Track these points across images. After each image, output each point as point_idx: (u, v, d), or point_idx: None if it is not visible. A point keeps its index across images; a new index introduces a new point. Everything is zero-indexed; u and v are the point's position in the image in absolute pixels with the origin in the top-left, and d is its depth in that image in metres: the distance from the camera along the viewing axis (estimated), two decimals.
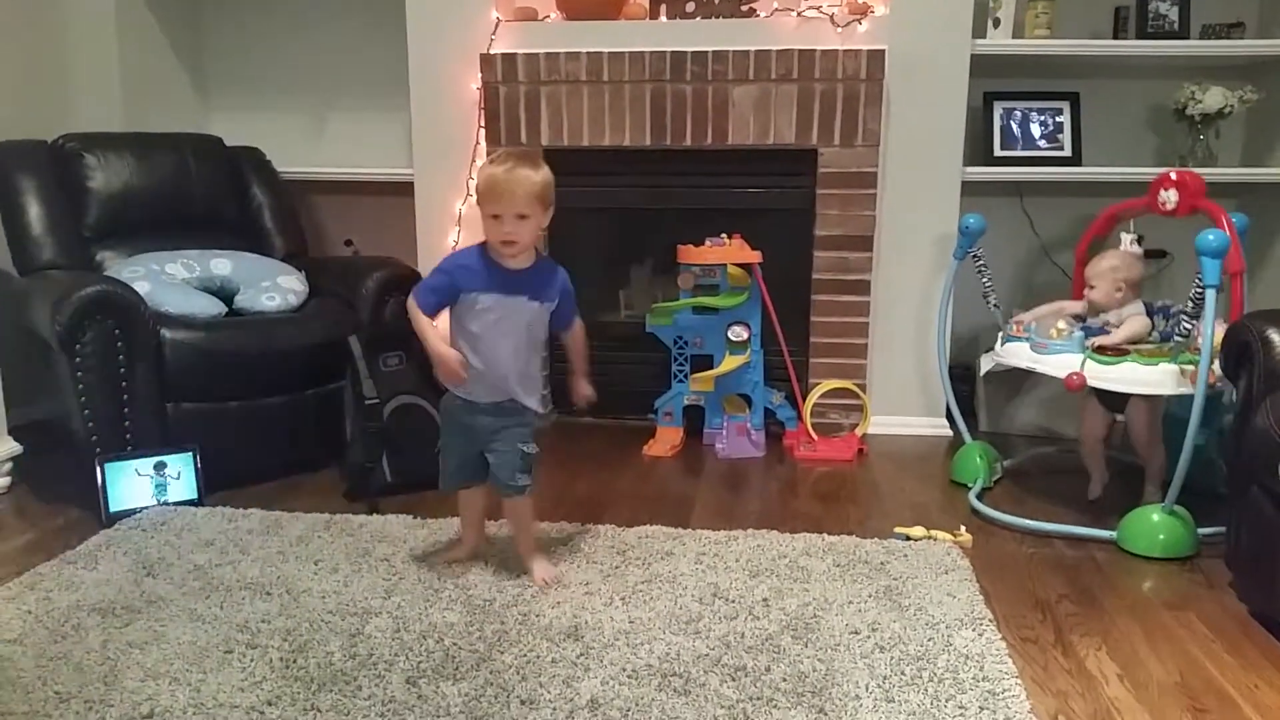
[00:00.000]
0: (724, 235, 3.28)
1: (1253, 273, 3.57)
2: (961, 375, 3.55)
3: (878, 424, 3.53)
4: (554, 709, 1.74)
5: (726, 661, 1.90)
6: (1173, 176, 2.75)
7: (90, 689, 1.80)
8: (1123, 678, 1.90)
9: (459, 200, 3.63)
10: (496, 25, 3.51)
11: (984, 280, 3.09)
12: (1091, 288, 2.77)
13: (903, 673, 1.86)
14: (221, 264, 3.24)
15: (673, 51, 3.38)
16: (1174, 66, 3.55)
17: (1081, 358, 2.59)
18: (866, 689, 1.81)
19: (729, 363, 3.31)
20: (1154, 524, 2.47)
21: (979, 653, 1.93)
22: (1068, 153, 3.63)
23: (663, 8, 3.51)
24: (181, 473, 2.76)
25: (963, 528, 2.58)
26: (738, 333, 3.31)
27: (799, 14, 3.40)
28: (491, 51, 3.50)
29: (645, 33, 3.46)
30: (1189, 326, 2.52)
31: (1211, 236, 2.38)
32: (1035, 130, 3.65)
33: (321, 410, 3.05)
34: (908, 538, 2.54)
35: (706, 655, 1.93)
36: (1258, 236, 3.35)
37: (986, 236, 3.09)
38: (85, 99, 3.68)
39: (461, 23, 3.52)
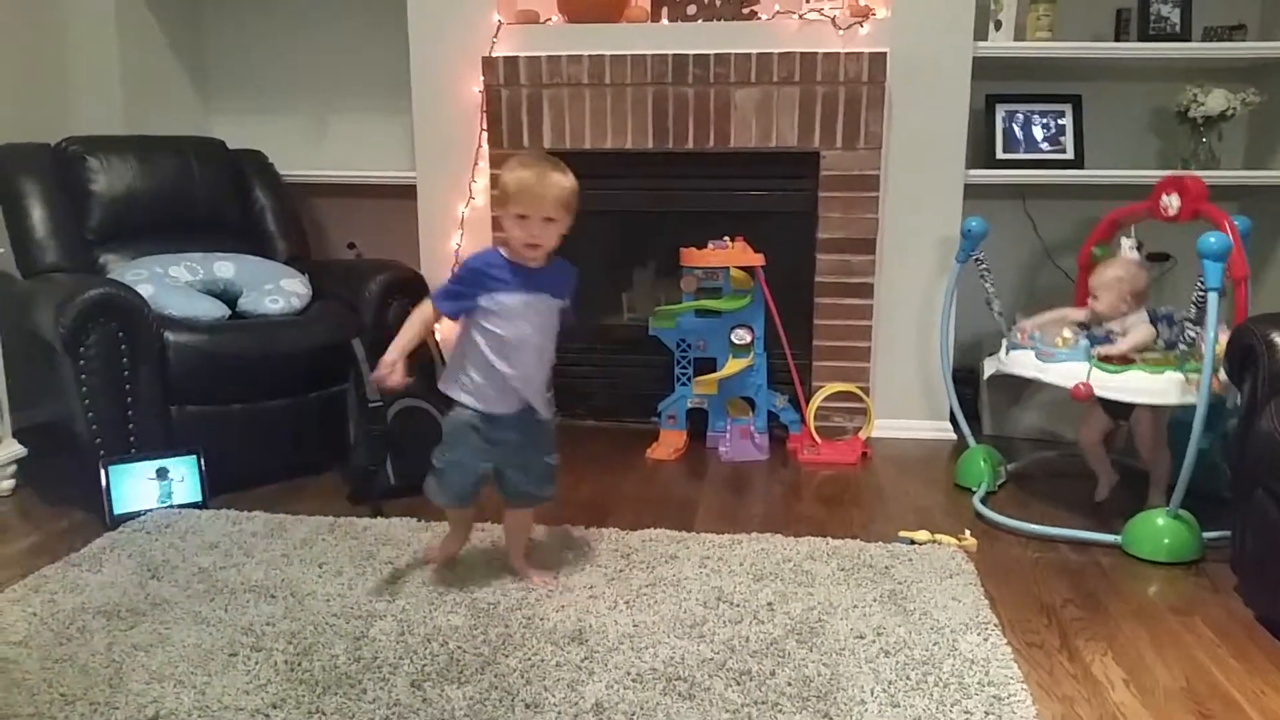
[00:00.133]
0: (726, 238, 3.28)
1: (1256, 276, 3.55)
2: (965, 378, 3.55)
3: (881, 427, 3.53)
4: (558, 712, 1.74)
5: (731, 665, 1.90)
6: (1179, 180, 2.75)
7: (95, 691, 1.80)
8: (1128, 683, 1.89)
9: (461, 203, 3.64)
10: (498, 28, 3.51)
11: (987, 286, 3.09)
12: (1096, 298, 2.75)
13: (908, 677, 1.86)
14: (225, 267, 3.24)
15: (674, 54, 3.39)
16: (1176, 69, 3.55)
17: (1087, 367, 2.58)
18: (871, 693, 1.80)
19: (732, 366, 3.32)
20: (1159, 528, 2.47)
21: (984, 657, 1.93)
22: (1070, 155, 3.63)
23: (664, 10, 3.52)
24: (185, 475, 2.76)
25: (967, 532, 2.57)
26: (741, 336, 3.31)
27: (800, 17, 3.40)
28: (493, 54, 3.50)
29: (647, 35, 3.46)
30: (1193, 334, 2.52)
31: (1213, 239, 2.38)
32: (1037, 133, 3.66)
33: (325, 413, 3.05)
34: (912, 542, 2.53)
35: (711, 659, 1.93)
36: (1261, 239, 3.35)
37: (989, 239, 3.09)
38: (86, 101, 3.69)
39: (463, 25, 3.53)
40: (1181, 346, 2.56)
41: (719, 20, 3.47)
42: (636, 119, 3.46)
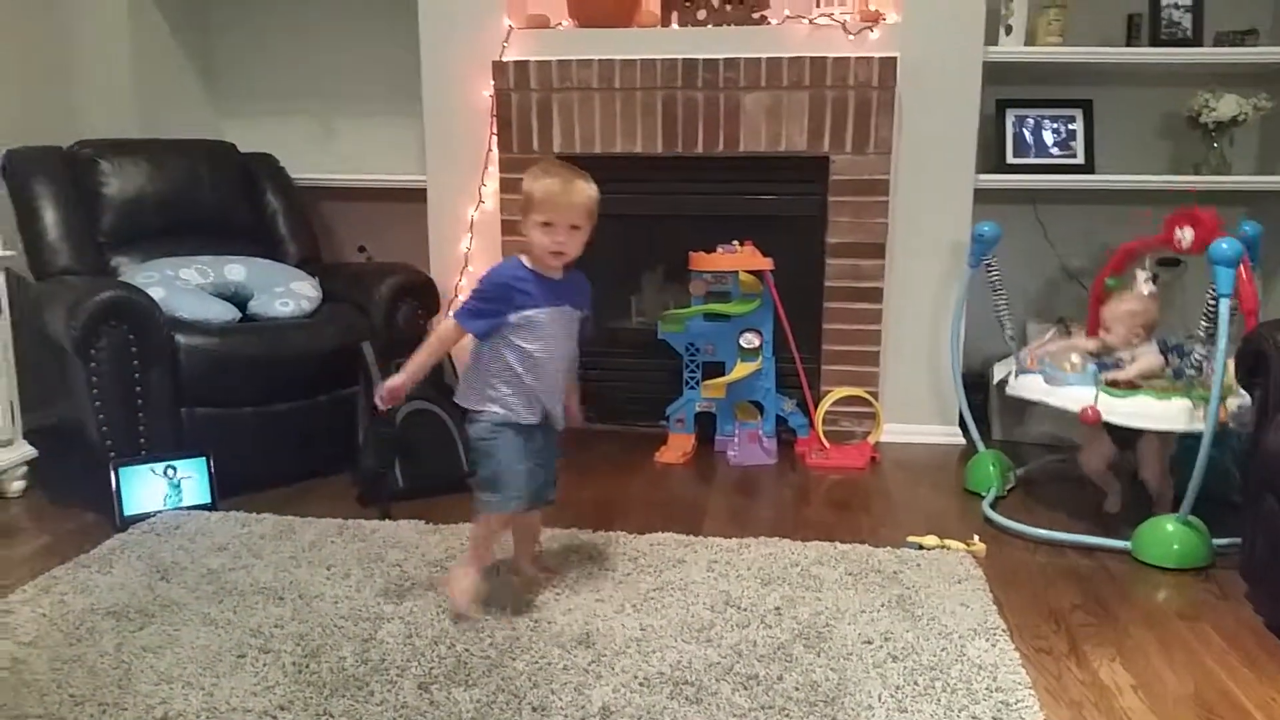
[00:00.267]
0: (736, 242, 3.29)
1: (1266, 280, 3.55)
2: (975, 383, 3.54)
3: (890, 432, 3.52)
4: (565, 716, 1.74)
5: (738, 670, 1.90)
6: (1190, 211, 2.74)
7: (104, 692, 1.81)
8: (1137, 689, 1.89)
9: (471, 207, 3.65)
10: (509, 33, 3.52)
11: (998, 300, 3.08)
12: (1109, 330, 2.75)
13: (916, 683, 1.86)
14: (235, 270, 3.25)
15: (684, 59, 3.39)
16: (1187, 74, 3.54)
17: (1095, 391, 2.58)
18: (879, 699, 1.80)
19: (741, 370, 3.31)
20: (1168, 534, 2.46)
21: (992, 663, 1.92)
22: (1081, 160, 3.62)
23: (674, 15, 3.52)
24: (195, 477, 2.78)
25: (976, 537, 2.57)
26: (749, 340, 3.31)
27: (810, 21, 3.40)
28: (504, 59, 3.51)
29: (657, 40, 3.46)
30: (1202, 356, 2.52)
31: (1225, 245, 2.37)
32: (1048, 138, 3.65)
33: (334, 416, 3.06)
34: (921, 546, 2.53)
35: (718, 664, 1.92)
36: (1272, 245, 3.33)
37: (1000, 245, 3.08)
38: (98, 105, 3.71)
39: (474, 30, 3.54)
40: (1189, 371, 2.56)
41: (729, 25, 3.47)
42: (646, 123, 3.46)
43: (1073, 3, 3.48)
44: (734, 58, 3.37)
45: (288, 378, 3.00)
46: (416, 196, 3.74)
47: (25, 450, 2.93)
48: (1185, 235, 2.76)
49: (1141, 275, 2.87)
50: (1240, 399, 2.44)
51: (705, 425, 3.47)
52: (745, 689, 1.83)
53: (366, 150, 4.09)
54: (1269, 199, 3.56)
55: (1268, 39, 3.52)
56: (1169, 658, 2.01)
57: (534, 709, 1.76)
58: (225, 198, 3.54)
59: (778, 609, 2.16)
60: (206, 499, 2.78)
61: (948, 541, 2.54)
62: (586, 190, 2.06)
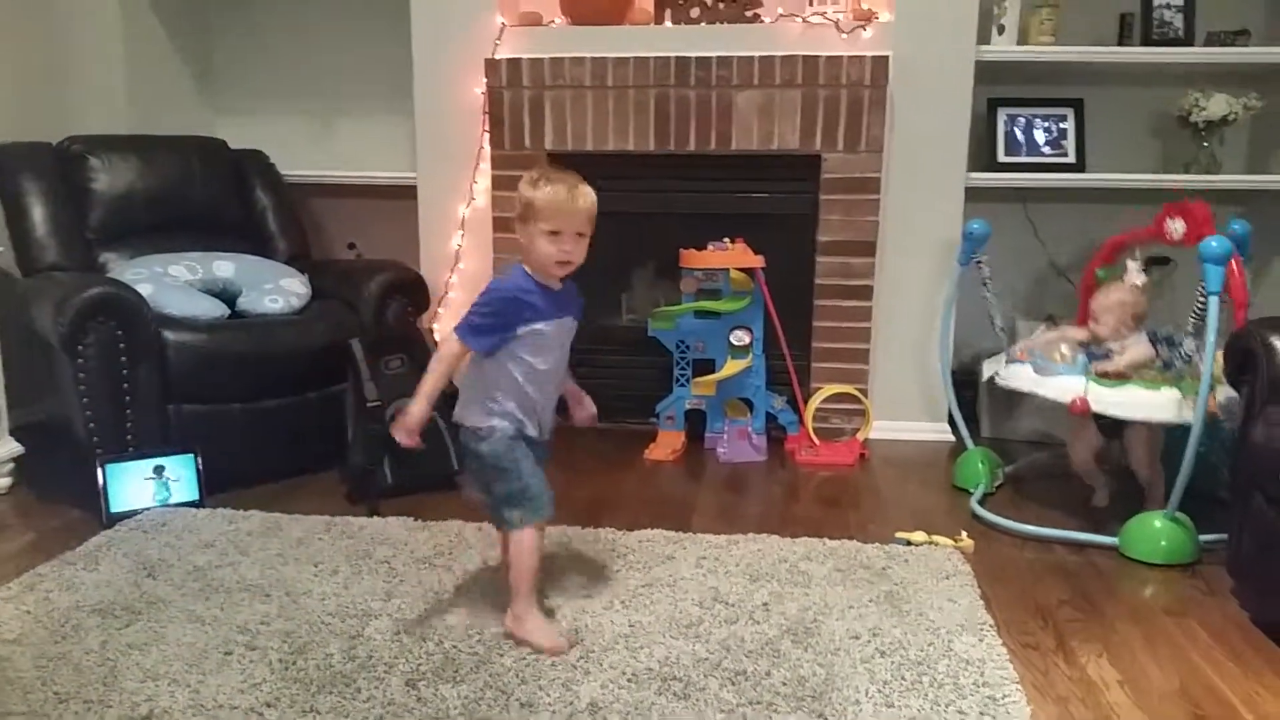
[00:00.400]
0: (727, 240, 3.28)
1: (1256, 279, 3.57)
2: (964, 381, 3.54)
3: (879, 429, 3.53)
4: (553, 712, 1.74)
5: (726, 666, 1.90)
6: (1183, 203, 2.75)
7: (89, 690, 1.80)
8: (1123, 684, 1.89)
9: (462, 204, 3.64)
10: (501, 30, 3.52)
11: (989, 296, 3.08)
12: (1098, 321, 2.75)
13: (903, 678, 1.86)
14: (224, 266, 3.24)
15: (677, 57, 3.39)
16: (1178, 73, 3.55)
17: (1084, 382, 2.59)
18: (866, 694, 1.80)
19: (731, 367, 3.31)
20: (1155, 530, 2.46)
21: (980, 658, 1.93)
22: (1072, 159, 3.63)
23: (667, 13, 3.52)
24: (182, 474, 2.77)
25: (964, 533, 2.57)
26: (740, 337, 3.31)
27: (803, 20, 3.40)
28: (496, 56, 3.51)
29: (649, 38, 3.46)
30: (1190, 350, 2.52)
31: (1215, 243, 2.38)
32: (1039, 137, 3.65)
33: (323, 413, 3.05)
34: (909, 543, 2.53)
35: (706, 659, 1.92)
36: (1261, 243, 3.34)
37: (990, 243, 3.09)
38: (90, 101, 3.70)
39: (466, 27, 3.53)
40: (1178, 364, 2.56)
41: (722, 23, 3.47)
42: (638, 121, 3.46)
43: (1065, 2, 3.49)
44: (726, 56, 3.37)
45: (276, 374, 2.99)
46: (407, 193, 3.74)
47: (11, 447, 2.92)
48: (1176, 227, 2.76)
49: (1133, 266, 2.87)
50: (1229, 391, 2.45)
51: (695, 422, 3.47)
52: (733, 684, 1.83)
53: (358, 147, 4.08)
54: (1258, 198, 3.57)
55: (1258, 39, 3.53)
56: (1155, 653, 2.02)
57: (522, 705, 1.76)
58: (215, 194, 3.53)
59: (766, 605, 2.16)
60: (194, 496, 2.77)
61: (936, 538, 2.55)
62: (590, 195, 2.01)
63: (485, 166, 3.59)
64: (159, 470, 2.74)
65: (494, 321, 1.97)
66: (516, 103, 3.50)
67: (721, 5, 3.48)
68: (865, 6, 3.37)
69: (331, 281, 3.42)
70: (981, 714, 1.73)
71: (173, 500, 2.75)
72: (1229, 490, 2.35)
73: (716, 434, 3.42)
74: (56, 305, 2.65)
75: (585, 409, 2.24)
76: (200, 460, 2.78)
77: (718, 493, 3.01)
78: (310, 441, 3.05)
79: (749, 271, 3.30)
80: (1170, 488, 2.48)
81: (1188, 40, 3.48)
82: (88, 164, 3.26)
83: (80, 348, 2.67)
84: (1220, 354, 2.39)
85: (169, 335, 2.83)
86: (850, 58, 3.31)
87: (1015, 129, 3.66)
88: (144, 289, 2.89)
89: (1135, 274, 2.84)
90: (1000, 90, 3.63)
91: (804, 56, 3.33)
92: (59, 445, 2.85)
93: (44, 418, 2.97)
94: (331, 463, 3.03)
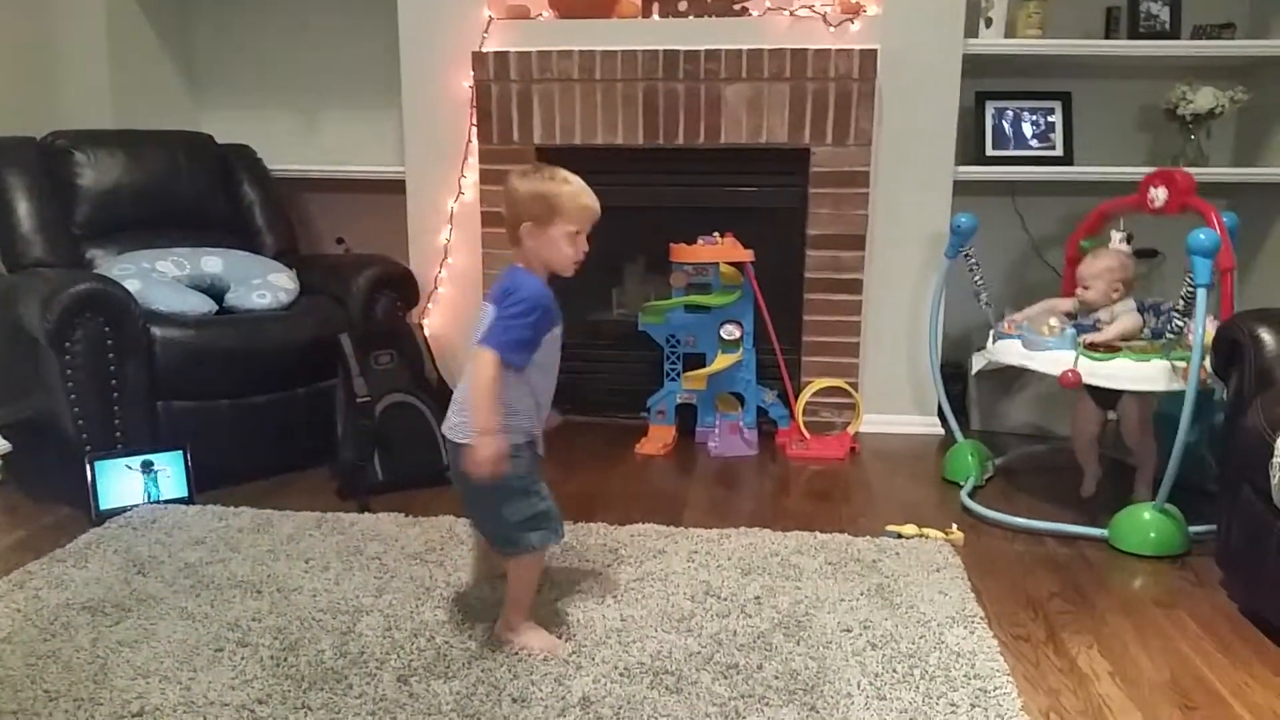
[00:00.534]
0: (716, 234, 3.28)
1: (1243, 272, 3.57)
2: (953, 374, 3.55)
3: (870, 422, 3.53)
4: (545, 707, 1.74)
5: (718, 659, 1.90)
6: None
7: (79, 687, 1.80)
8: (1114, 675, 1.90)
9: (450, 198, 3.63)
10: (488, 23, 3.51)
11: (975, 279, 3.09)
12: (1086, 288, 2.76)
13: (894, 670, 1.86)
14: (212, 262, 3.22)
15: (665, 50, 3.38)
16: (1165, 67, 3.55)
17: (1074, 355, 2.59)
18: (858, 687, 1.81)
19: (721, 361, 3.32)
20: (1145, 522, 2.48)
21: (970, 650, 1.93)
22: (1059, 152, 3.63)
23: (655, 6, 3.51)
24: (172, 471, 2.75)
25: (954, 526, 2.58)
26: (730, 331, 3.32)
27: (791, 13, 3.40)
28: (483, 49, 3.49)
29: (638, 31, 3.45)
30: (1180, 324, 2.53)
31: (1203, 235, 2.39)
32: (1027, 130, 3.66)
33: (313, 408, 3.04)
34: (900, 536, 2.54)
35: (698, 653, 1.93)
36: (1248, 236, 3.36)
37: (978, 236, 3.09)
38: (75, 96, 3.66)
39: (453, 21, 3.52)
40: (1168, 335, 2.57)
41: (710, 16, 3.46)
42: (627, 115, 3.45)
43: None
44: (715, 49, 3.36)
45: (265, 370, 2.98)
46: (395, 188, 3.73)
47: None
48: (1159, 194, 2.76)
49: (1117, 235, 2.87)
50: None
51: (686, 417, 3.47)
52: (725, 678, 1.84)
53: (346, 141, 4.06)
54: (1246, 191, 3.58)
55: (1245, 32, 3.54)
56: (1145, 644, 2.03)
57: (514, 700, 1.76)
58: (202, 189, 3.51)
59: (758, 598, 2.16)
60: (183, 493, 2.76)
61: (926, 530, 2.55)
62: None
63: (473, 161, 3.58)
64: (148, 467, 2.73)
65: (535, 334, 1.86)
66: (504, 96, 3.49)
67: None
68: (853, 0, 3.37)
69: (320, 277, 3.41)
70: (973, 706, 1.74)
71: (162, 497, 2.73)
72: (1217, 482, 2.36)
73: (707, 428, 3.42)
74: (43, 301, 2.63)
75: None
76: (189, 456, 2.77)
77: (709, 487, 3.01)
78: (300, 437, 3.04)
79: (739, 265, 3.30)
80: (1162, 469, 2.49)
81: (1174, 34, 3.49)
82: (73, 159, 3.23)
83: (68, 344, 2.65)
84: (1212, 327, 2.39)
85: (157, 331, 2.81)
86: (838, 51, 3.31)
87: (1003, 122, 3.66)
88: (131, 285, 2.87)
89: (1118, 240, 2.85)
90: (988, 83, 3.63)
91: (792, 50, 3.33)
92: (47, 442, 2.83)
93: (32, 415, 2.95)
94: (321, 459, 3.02)
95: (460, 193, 3.62)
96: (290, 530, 2.54)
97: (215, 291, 3.15)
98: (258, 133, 3.86)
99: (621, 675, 1.84)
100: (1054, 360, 2.62)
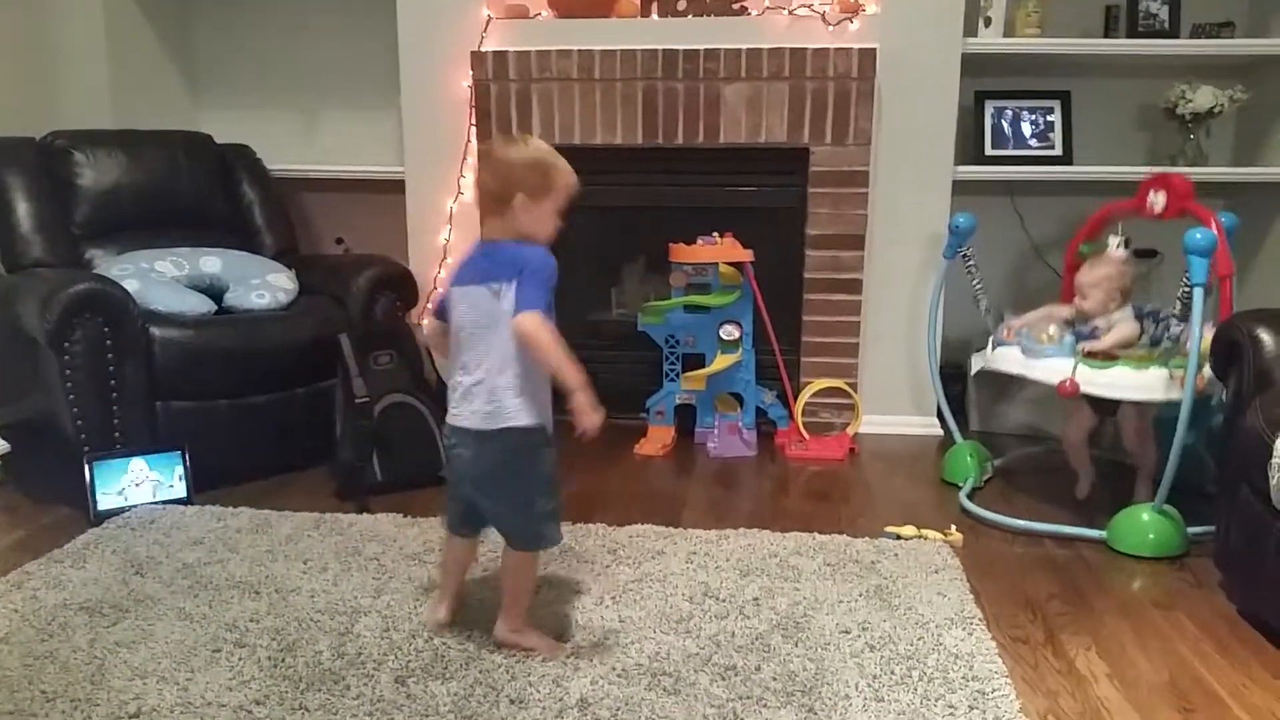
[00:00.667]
0: (716, 234, 3.28)
1: (1242, 272, 3.57)
2: (952, 375, 3.55)
3: (869, 423, 3.53)
4: (543, 708, 1.74)
5: (716, 661, 1.90)
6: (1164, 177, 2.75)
7: (76, 688, 1.79)
8: (1112, 677, 1.90)
9: (450, 198, 3.63)
10: (487, 23, 3.50)
11: (974, 283, 3.09)
12: (1085, 297, 2.76)
13: (892, 672, 1.86)
14: (211, 262, 3.22)
15: (664, 50, 3.38)
16: (1164, 66, 3.55)
17: (1073, 363, 2.59)
18: (856, 688, 1.80)
19: (720, 361, 3.31)
20: (1143, 523, 2.47)
21: (969, 652, 1.93)
22: (1058, 152, 3.63)
23: (654, 6, 3.50)
24: (170, 471, 2.75)
25: (953, 527, 2.58)
26: (729, 331, 3.31)
27: (790, 12, 3.39)
28: (482, 49, 3.49)
29: (637, 31, 3.45)
30: (1178, 330, 2.53)
31: (1199, 235, 2.38)
32: (1026, 129, 3.66)
33: (312, 409, 3.04)
34: (898, 537, 2.54)
35: (696, 654, 1.92)
36: (1247, 236, 3.36)
37: (977, 235, 3.09)
38: (74, 96, 3.66)
39: (452, 20, 3.52)
40: (1166, 343, 2.57)
41: (709, 16, 3.45)
42: (626, 114, 3.45)
43: None
44: (714, 48, 3.36)
45: (264, 370, 2.97)
46: (395, 188, 3.72)
47: None
48: (1158, 200, 2.76)
49: (1114, 241, 2.87)
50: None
51: (685, 417, 3.47)
52: (723, 679, 1.83)
53: (345, 141, 4.06)
54: (1245, 190, 3.58)
55: (1244, 31, 3.54)
56: (1144, 646, 2.02)
57: (512, 701, 1.76)
58: (201, 189, 3.51)
59: (756, 600, 2.16)
60: (182, 493, 2.76)
61: (925, 532, 2.55)
62: None
63: (473, 160, 3.57)
64: (147, 467, 2.72)
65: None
66: (503, 96, 3.49)
67: None
68: None
69: (319, 277, 3.40)
70: (971, 707, 1.74)
71: (161, 497, 2.73)
72: (1216, 483, 2.36)
73: (706, 429, 3.42)
74: (42, 302, 2.63)
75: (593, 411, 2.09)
76: (188, 457, 2.77)
77: (708, 488, 3.01)
78: (299, 438, 3.04)
79: (738, 266, 3.30)
80: (1161, 470, 2.48)
81: (1173, 32, 3.49)
82: (72, 159, 3.23)
83: (67, 344, 2.65)
84: (1210, 332, 2.39)
85: (156, 331, 2.81)
86: (837, 50, 3.31)
87: (1002, 121, 3.66)
88: (130, 285, 2.87)
89: (1116, 249, 2.85)
90: (987, 83, 3.63)
91: (791, 49, 3.33)
92: (46, 443, 2.83)
93: (30, 415, 2.94)
94: (320, 459, 3.02)
95: (460, 192, 3.61)
96: (289, 531, 2.54)
97: (214, 292, 3.15)
98: (257, 133, 3.86)
99: (619, 676, 1.84)
100: (1053, 369, 2.62)
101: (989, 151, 3.64)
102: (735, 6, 3.46)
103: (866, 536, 2.52)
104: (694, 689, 1.80)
